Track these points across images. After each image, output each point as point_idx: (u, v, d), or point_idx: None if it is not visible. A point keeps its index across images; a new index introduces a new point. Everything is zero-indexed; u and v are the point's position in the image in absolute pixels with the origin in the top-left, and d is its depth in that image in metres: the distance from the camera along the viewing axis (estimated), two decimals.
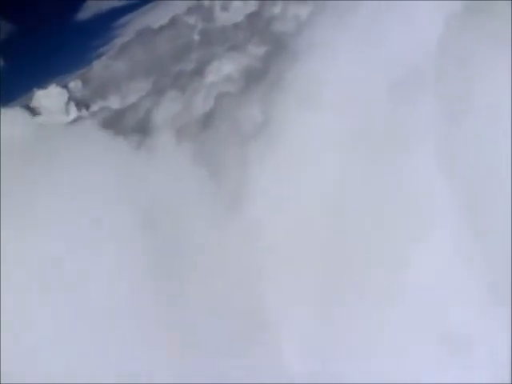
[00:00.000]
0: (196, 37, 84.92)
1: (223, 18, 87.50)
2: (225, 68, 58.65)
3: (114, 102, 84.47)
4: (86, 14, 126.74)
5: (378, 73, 13.67)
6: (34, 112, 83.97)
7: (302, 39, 16.90)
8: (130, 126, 69.44)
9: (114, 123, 73.10)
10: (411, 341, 10.27)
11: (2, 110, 12.88)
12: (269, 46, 60.19)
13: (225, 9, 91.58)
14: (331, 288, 11.94)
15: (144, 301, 11.15)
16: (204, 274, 12.32)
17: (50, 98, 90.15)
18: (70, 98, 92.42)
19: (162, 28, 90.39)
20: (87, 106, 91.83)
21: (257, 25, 75.95)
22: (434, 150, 11.89)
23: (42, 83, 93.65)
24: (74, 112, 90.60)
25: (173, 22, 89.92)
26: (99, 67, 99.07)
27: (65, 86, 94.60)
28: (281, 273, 12.51)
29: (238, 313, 12.09)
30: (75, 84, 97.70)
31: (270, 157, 14.58)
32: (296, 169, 14.03)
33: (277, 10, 75.75)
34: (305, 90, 14.67)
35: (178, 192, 14.08)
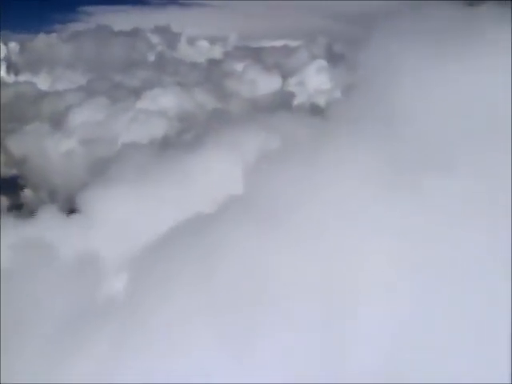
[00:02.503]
0: (151, 57, 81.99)
1: (185, 52, 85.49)
2: (163, 100, 55.53)
3: (43, 82, 78.78)
4: None
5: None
6: None
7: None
8: (45, 114, 64.45)
9: (32, 103, 67.82)
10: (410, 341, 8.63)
11: None
12: (222, 102, 57.67)
13: (191, 44, 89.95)
14: None
15: None
16: None
17: None
18: (5, 58, 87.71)
19: (121, 33, 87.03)
20: (16, 73, 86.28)
21: (214, 72, 74.21)
22: None
23: None
24: (2, 71, 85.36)
25: (135, 32, 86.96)
26: (44, 42, 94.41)
27: (5, 44, 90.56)
28: None
29: None
30: (14, 46, 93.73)
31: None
32: None
33: (239, 67, 74.82)
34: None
35: None
